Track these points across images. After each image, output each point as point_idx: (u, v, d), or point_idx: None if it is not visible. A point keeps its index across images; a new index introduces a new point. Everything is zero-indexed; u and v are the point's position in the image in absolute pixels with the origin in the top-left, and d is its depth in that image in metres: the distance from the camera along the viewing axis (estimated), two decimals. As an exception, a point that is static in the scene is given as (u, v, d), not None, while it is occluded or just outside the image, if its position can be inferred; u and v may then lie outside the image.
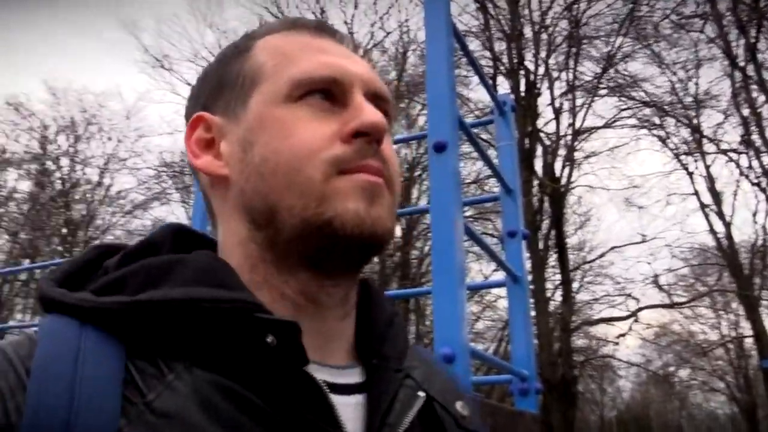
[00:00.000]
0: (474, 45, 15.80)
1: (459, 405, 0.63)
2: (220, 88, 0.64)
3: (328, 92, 0.60)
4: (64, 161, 20.84)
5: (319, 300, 0.58)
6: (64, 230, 20.02)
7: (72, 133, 20.66)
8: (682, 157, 15.10)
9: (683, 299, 16.24)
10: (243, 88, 0.62)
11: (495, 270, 13.19)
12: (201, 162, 0.62)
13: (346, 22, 17.60)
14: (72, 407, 0.46)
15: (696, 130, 14.74)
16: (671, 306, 15.13)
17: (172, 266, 0.55)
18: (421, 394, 0.59)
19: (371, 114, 0.58)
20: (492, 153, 3.64)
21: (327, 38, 0.65)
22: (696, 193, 14.87)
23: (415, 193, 17.81)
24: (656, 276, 14.86)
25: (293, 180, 0.56)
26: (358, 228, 0.55)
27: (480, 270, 19.21)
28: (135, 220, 20.32)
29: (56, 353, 0.48)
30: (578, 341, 18.09)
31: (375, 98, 0.62)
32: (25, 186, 21.16)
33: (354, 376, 0.59)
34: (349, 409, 0.55)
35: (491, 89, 3.11)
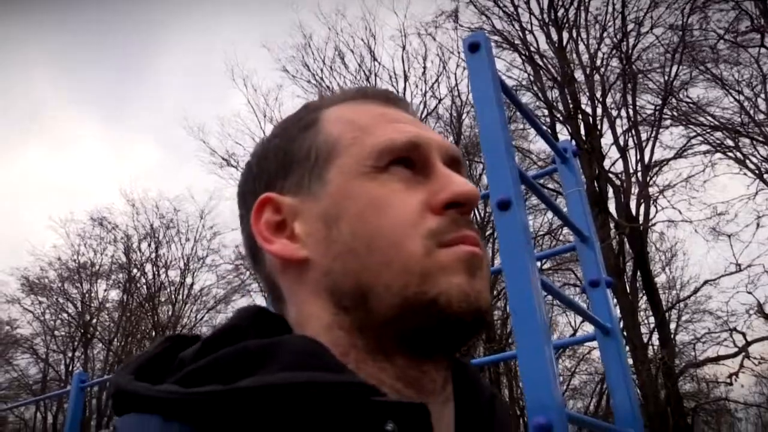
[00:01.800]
0: (527, 97, 15.82)
1: None
2: (287, 165, 0.60)
3: (409, 161, 0.57)
4: (148, 267, 21.84)
5: (422, 385, 0.52)
6: (153, 333, 20.70)
7: (153, 239, 21.72)
8: (766, 175, 14.31)
9: (795, 327, 15.01)
10: (318, 162, 0.58)
11: (583, 321, 12.65)
12: (276, 247, 0.57)
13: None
14: None
15: (775, 146, 14.00)
16: (783, 336, 13.96)
17: (269, 350, 0.49)
18: None
19: (463, 184, 0.55)
20: (561, 201, 3.54)
21: (396, 107, 0.63)
22: (788, 212, 13.95)
23: (489, 253, 17.55)
24: (760, 305, 13.80)
25: (393, 256, 0.52)
26: (465, 303, 0.51)
27: (568, 322, 18.55)
28: (219, 315, 20.85)
29: None
30: (686, 386, 16.92)
31: (452, 163, 0.60)
32: (115, 295, 22.23)
33: None
34: None
35: (549, 138, 3.04)
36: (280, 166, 0.61)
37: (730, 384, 13.53)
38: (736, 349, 13.46)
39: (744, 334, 13.64)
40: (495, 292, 16.08)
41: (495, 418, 0.57)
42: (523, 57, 15.86)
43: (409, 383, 0.52)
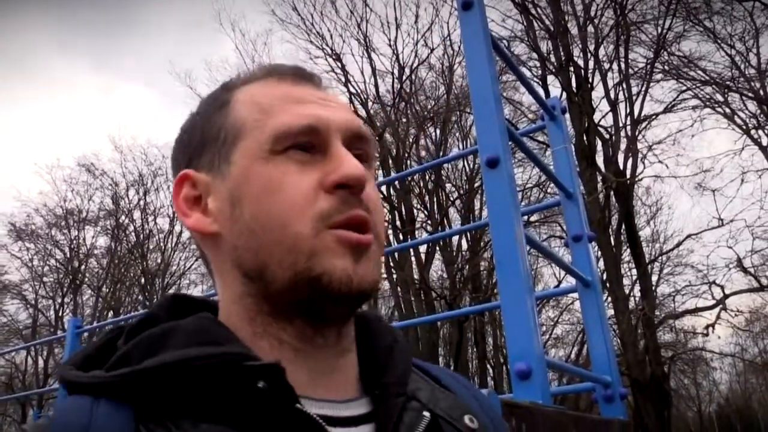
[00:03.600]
0: (520, 48, 15.67)
1: (467, 419, 0.65)
2: (203, 143, 0.65)
3: (308, 144, 0.61)
4: (137, 214, 21.80)
5: (315, 341, 0.61)
6: (143, 280, 20.83)
7: (141, 186, 21.62)
8: (753, 131, 14.38)
9: (773, 281, 15.34)
10: (225, 143, 0.63)
11: (567, 274, 12.86)
12: (191, 221, 0.64)
13: (390, 44, 17.81)
14: None
15: (763, 102, 14.03)
16: (760, 289, 14.28)
17: (167, 333, 0.59)
18: (427, 414, 0.61)
19: (351, 166, 0.60)
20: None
21: (305, 85, 0.66)
22: (772, 168, 14.08)
23: (477, 204, 17.69)
24: (740, 259, 14.09)
25: (283, 235, 0.58)
26: (346, 286, 0.58)
27: (553, 273, 18.87)
28: (208, 263, 20.93)
29: (67, 429, 0.52)
30: (665, 336, 17.44)
31: (354, 140, 0.64)
32: (103, 242, 22.24)
33: (359, 408, 0.61)
34: None
35: (538, 96, 3.08)
36: (198, 143, 0.66)
37: (707, 335, 13.92)
38: (714, 302, 13.80)
39: (722, 287, 13.96)
40: (482, 244, 16.27)
41: (390, 360, 0.65)
42: (518, 7, 15.61)
43: (304, 340, 0.60)
